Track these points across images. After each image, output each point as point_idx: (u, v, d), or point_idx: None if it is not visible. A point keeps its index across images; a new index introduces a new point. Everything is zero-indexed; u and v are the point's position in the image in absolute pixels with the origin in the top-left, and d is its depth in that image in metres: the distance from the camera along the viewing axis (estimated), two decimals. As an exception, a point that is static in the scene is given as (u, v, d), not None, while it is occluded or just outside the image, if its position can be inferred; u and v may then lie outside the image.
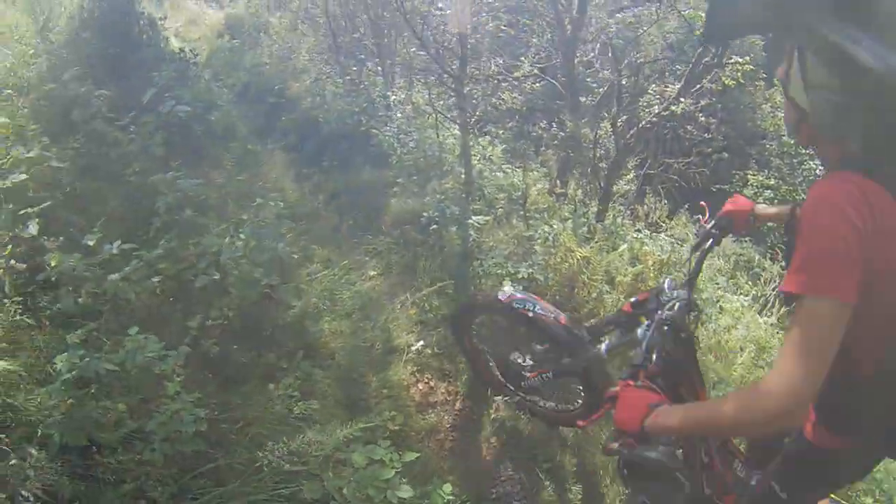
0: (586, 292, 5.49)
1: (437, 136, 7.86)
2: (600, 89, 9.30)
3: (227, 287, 4.28)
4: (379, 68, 9.77)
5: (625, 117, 7.82)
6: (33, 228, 4.19)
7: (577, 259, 5.72)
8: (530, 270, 5.35)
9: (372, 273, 5.95)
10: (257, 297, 4.37)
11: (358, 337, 4.90)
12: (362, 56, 10.19)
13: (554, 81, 9.48)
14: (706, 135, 10.29)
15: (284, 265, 4.67)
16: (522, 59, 9.71)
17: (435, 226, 6.05)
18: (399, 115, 8.46)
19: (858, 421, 2.21)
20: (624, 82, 8.17)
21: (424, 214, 6.15)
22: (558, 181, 8.91)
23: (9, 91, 5.92)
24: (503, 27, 10.10)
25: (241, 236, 4.44)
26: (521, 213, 6.76)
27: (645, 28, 8.21)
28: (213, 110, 6.87)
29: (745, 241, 10.06)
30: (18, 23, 7.86)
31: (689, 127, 9.72)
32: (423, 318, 5.27)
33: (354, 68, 9.82)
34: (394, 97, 8.96)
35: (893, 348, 2.01)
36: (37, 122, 5.36)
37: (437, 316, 5.31)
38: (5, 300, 3.93)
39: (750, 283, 8.24)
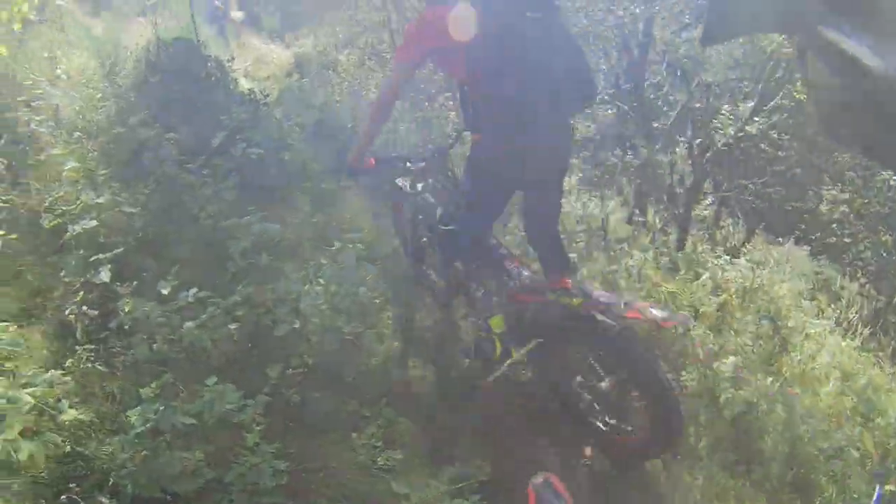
0: (673, 329, 5.38)
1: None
2: (671, 112, 9.17)
3: (308, 335, 4.29)
4: (450, 102, 9.78)
5: (699, 140, 7.72)
6: (105, 275, 4.28)
7: (665, 294, 5.63)
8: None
9: (457, 313, 5.88)
10: (339, 344, 4.37)
11: (443, 381, 4.86)
12: (433, 90, 10.23)
13: (624, 107, 9.39)
14: (779, 152, 10.11)
15: (366, 310, 4.65)
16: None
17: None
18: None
19: (484, 121, 3.94)
20: (697, 105, 8.09)
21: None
22: (636, 209, 8.82)
23: (78, 133, 6.15)
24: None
25: (321, 281, 4.45)
26: (602, 245, 6.67)
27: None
28: (286, 150, 6.94)
29: (823, 259, 9.90)
30: (86, 66, 8.17)
31: (762, 145, 9.54)
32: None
33: (426, 103, 9.87)
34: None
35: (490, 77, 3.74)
36: (107, 166, 5.51)
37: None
38: (76, 347, 4.01)
39: (832, 305, 8.10)
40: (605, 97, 9.27)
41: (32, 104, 6.45)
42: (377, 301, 4.94)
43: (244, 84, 9.10)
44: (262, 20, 15.27)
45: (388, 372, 4.68)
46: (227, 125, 6.42)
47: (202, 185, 5.63)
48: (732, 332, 5.62)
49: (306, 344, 4.30)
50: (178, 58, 7.45)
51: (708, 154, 7.61)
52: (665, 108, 9.35)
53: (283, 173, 6.55)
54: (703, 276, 6.27)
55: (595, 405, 4.29)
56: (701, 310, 5.78)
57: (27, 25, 9.29)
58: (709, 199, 9.95)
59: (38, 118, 6.18)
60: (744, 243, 9.62)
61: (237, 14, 15.52)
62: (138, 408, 3.34)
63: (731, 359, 5.12)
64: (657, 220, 8.62)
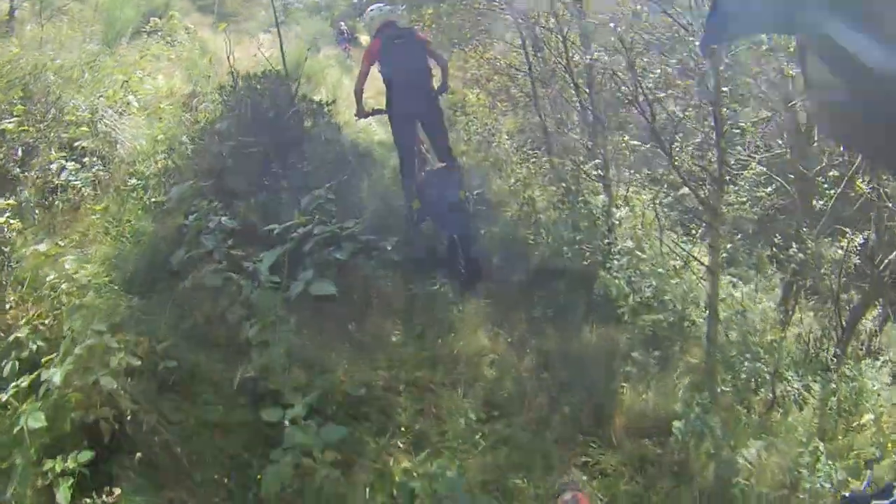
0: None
1: (674, 270, 6.03)
2: (831, 190, 7.44)
3: None
4: (598, 172, 7.82)
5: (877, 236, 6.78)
6: (63, 497, 2.69)
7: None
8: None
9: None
10: None
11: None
12: (580, 159, 8.34)
13: (784, 183, 7.64)
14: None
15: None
16: (750, 155, 7.85)
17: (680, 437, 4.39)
18: (629, 242, 6.49)
19: (387, 88, 7.23)
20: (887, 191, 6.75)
21: (675, 430, 4.36)
22: (790, 310, 7.30)
23: (135, 181, 5.37)
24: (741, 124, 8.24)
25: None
26: (768, 378, 5.13)
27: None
28: (389, 236, 5.59)
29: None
30: (169, 91, 7.31)
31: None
32: None
33: (568, 172, 8.00)
34: (618, 213, 7.01)
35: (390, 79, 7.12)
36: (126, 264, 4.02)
37: None
38: None
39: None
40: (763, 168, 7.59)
41: (75, 144, 5.37)
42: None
43: (346, 130, 7.83)
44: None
45: None
46: (305, 209, 4.59)
47: (253, 293, 3.93)
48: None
49: None
50: (257, 99, 6.14)
51: (889, 259, 6.46)
52: (826, 186, 7.68)
53: (378, 275, 5.14)
54: (866, 417, 5.30)
55: (452, 251, 6.60)
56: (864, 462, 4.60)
57: (118, 38, 8.16)
58: (876, 311, 8.19)
59: (71, 167, 5.05)
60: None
61: (365, 39, 15.03)
62: None
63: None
64: (815, 329, 7.08)
